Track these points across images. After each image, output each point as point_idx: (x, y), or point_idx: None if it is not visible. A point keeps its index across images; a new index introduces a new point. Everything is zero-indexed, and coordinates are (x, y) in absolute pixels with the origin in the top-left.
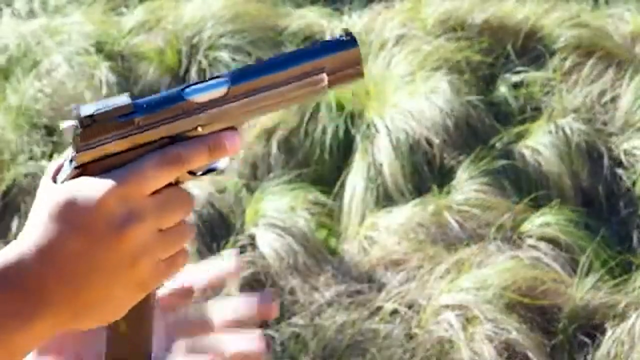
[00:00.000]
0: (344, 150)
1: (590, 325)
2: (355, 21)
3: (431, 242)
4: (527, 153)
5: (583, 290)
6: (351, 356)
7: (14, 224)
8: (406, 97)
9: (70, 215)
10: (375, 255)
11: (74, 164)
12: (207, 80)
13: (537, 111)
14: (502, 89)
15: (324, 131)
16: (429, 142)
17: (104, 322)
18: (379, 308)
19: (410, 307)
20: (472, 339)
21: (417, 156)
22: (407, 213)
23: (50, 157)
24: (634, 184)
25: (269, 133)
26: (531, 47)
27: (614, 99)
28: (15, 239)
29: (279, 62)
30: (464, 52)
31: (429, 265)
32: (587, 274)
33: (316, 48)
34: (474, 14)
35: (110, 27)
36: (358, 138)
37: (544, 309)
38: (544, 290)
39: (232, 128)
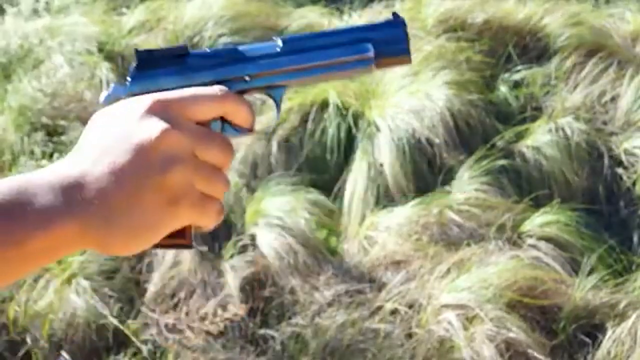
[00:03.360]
0: (345, 149)
1: (591, 325)
2: (355, 20)
3: (432, 242)
4: (527, 153)
5: (583, 290)
6: (351, 356)
7: None
8: (407, 96)
9: (111, 114)
10: (375, 255)
11: (128, 91)
12: (260, 41)
13: (537, 111)
14: (503, 89)
15: (324, 131)
16: (430, 142)
17: (131, 240)
18: (379, 308)
19: (410, 307)
20: (473, 338)
21: (417, 156)
22: (407, 213)
23: (51, 157)
24: (634, 183)
25: (269, 133)
26: (532, 47)
27: (614, 99)
28: None
29: (328, 31)
30: (464, 52)
31: (429, 265)
32: (587, 274)
33: (365, 25)
34: (475, 13)
35: (110, 27)
36: (359, 137)
37: (544, 309)
38: (544, 290)
39: (277, 87)
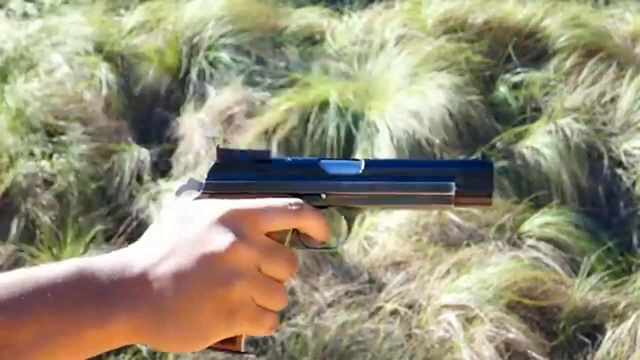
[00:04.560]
0: (345, 150)
1: (590, 326)
2: (355, 21)
3: (431, 243)
4: (527, 153)
5: (583, 291)
6: (351, 356)
7: (14, 224)
8: (406, 97)
9: (186, 213)
10: (375, 255)
11: (204, 189)
12: (344, 159)
13: (537, 111)
14: (503, 89)
15: (324, 131)
16: (429, 142)
17: (183, 342)
18: (379, 308)
19: (410, 307)
20: (473, 339)
21: (417, 156)
22: (407, 213)
23: (50, 157)
24: (634, 184)
25: (269, 133)
26: (531, 48)
27: (614, 99)
28: (15, 239)
29: (413, 160)
30: (464, 53)
31: (429, 265)
32: (587, 275)
33: (452, 160)
34: (474, 14)
35: (110, 27)
36: (359, 138)
37: (544, 309)
38: (544, 291)
39: (351, 208)
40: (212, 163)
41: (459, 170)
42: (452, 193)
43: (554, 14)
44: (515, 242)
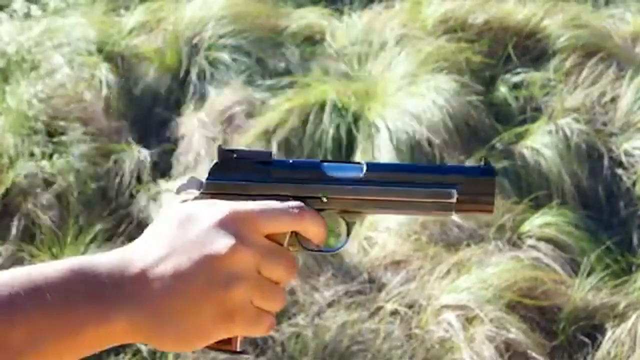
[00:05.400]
0: (345, 150)
1: (590, 326)
2: (355, 21)
3: (431, 242)
4: (527, 153)
5: (583, 291)
6: (351, 356)
7: (14, 224)
8: (407, 97)
9: (187, 215)
10: (375, 255)
11: (204, 189)
12: (345, 161)
13: (537, 111)
14: (503, 90)
15: (324, 131)
16: (430, 142)
17: (181, 342)
18: (379, 308)
19: (410, 307)
20: (473, 339)
21: (417, 156)
22: None
23: (51, 157)
24: (634, 184)
25: (269, 133)
26: (531, 48)
27: (614, 99)
28: (15, 239)
29: (415, 166)
30: (464, 53)
31: (429, 265)
32: (587, 275)
33: (453, 166)
34: (475, 14)
35: (110, 27)
36: (359, 138)
37: (544, 310)
38: (544, 291)
39: (352, 212)
40: (213, 163)
41: (461, 177)
42: (454, 200)
43: (554, 14)
44: (515, 242)
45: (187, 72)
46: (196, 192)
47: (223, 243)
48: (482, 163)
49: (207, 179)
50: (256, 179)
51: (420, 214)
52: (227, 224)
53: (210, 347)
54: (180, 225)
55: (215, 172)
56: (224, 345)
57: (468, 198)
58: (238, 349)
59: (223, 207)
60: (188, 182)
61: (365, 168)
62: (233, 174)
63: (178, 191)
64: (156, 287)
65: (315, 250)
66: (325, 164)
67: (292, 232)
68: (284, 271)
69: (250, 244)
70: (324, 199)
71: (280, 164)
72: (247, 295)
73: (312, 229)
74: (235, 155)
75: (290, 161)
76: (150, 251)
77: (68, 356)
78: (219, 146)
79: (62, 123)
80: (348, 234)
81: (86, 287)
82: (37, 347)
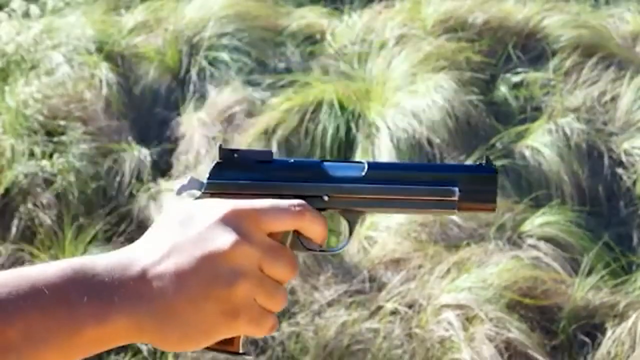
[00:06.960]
0: (345, 149)
1: (591, 325)
2: (355, 21)
3: (431, 242)
4: (527, 153)
5: (583, 290)
6: (351, 356)
7: (14, 224)
8: (407, 96)
9: (188, 213)
10: (375, 255)
11: (205, 189)
12: (346, 160)
13: (537, 111)
14: (503, 89)
15: (324, 131)
16: (430, 142)
17: (184, 342)
18: (379, 307)
19: (410, 306)
20: (473, 338)
21: (417, 156)
22: None
23: (51, 157)
24: (634, 183)
25: (269, 132)
26: (531, 47)
27: (614, 99)
28: (15, 239)
29: (416, 164)
30: (464, 52)
31: (429, 265)
32: (587, 274)
33: (455, 165)
34: (475, 14)
35: (110, 27)
36: (359, 138)
37: (544, 309)
38: (544, 290)
39: (353, 211)
40: (214, 162)
41: (463, 175)
42: (456, 198)
43: (554, 14)
44: (516, 241)
45: (187, 71)
46: (197, 193)
47: (225, 239)
48: (484, 161)
49: (208, 178)
50: (257, 179)
51: (422, 213)
52: (229, 221)
53: (212, 348)
54: (181, 224)
55: (216, 172)
56: (226, 346)
57: (470, 196)
58: (240, 350)
59: (224, 205)
60: (188, 182)
61: (366, 167)
62: (234, 173)
63: (179, 192)
64: (157, 285)
65: (317, 251)
66: (326, 163)
67: (293, 233)
68: (286, 269)
69: (252, 241)
70: (326, 198)
71: (281, 163)
72: (250, 292)
73: (313, 228)
74: (236, 155)
75: (291, 160)
76: (152, 250)
77: (68, 357)
78: (220, 146)
79: (62, 122)
80: (350, 233)
81: (86, 287)
82: (36, 348)
